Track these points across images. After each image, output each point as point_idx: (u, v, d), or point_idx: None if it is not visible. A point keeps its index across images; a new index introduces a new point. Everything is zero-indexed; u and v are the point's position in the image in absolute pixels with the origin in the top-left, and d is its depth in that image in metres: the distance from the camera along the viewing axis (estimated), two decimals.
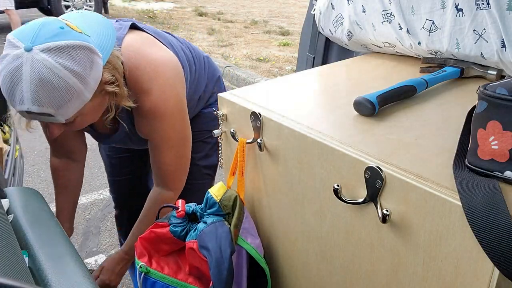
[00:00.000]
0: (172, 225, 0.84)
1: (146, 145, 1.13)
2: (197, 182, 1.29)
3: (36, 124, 0.95)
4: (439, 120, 0.75)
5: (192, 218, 0.86)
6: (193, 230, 0.82)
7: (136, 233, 1.15)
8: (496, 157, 0.55)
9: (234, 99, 0.86)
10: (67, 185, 1.28)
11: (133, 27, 1.07)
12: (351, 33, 1.19)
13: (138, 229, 1.16)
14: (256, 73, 4.85)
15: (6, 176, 2.10)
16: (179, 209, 0.84)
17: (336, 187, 0.67)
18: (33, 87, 0.79)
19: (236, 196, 0.84)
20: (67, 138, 1.20)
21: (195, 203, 0.88)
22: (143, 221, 1.16)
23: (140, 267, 0.82)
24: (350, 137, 0.69)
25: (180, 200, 0.86)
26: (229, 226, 0.80)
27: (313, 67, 1.43)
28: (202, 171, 1.31)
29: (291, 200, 0.80)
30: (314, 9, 1.33)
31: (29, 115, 0.84)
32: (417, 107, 0.81)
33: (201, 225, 0.81)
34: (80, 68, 0.82)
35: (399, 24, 1.04)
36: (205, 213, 0.83)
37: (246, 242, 0.83)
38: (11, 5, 6.20)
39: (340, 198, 0.66)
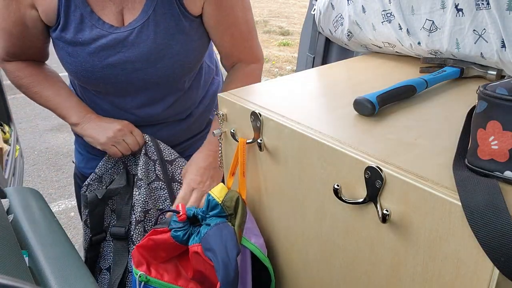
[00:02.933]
0: (173, 230, 0.82)
1: (154, 68, 0.97)
2: None
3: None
4: (439, 120, 0.75)
5: (193, 222, 0.85)
6: (195, 234, 0.80)
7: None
8: (496, 157, 0.55)
9: (234, 99, 0.86)
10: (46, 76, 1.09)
11: None
12: (351, 33, 1.19)
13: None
14: None
15: (6, 176, 2.10)
16: (180, 213, 0.82)
17: (336, 187, 0.67)
18: None
19: (238, 196, 0.84)
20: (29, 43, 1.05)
21: (194, 206, 0.87)
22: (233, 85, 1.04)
23: (140, 276, 0.80)
24: (350, 137, 0.69)
25: (180, 204, 0.85)
26: (233, 226, 0.80)
27: (313, 67, 1.43)
28: None
29: (291, 200, 0.80)
30: (314, 9, 1.33)
31: None
32: (417, 107, 0.81)
33: (204, 228, 0.80)
34: None
35: (399, 24, 1.04)
36: (207, 216, 0.82)
37: (250, 242, 0.83)
38: None
39: (340, 198, 0.66)
